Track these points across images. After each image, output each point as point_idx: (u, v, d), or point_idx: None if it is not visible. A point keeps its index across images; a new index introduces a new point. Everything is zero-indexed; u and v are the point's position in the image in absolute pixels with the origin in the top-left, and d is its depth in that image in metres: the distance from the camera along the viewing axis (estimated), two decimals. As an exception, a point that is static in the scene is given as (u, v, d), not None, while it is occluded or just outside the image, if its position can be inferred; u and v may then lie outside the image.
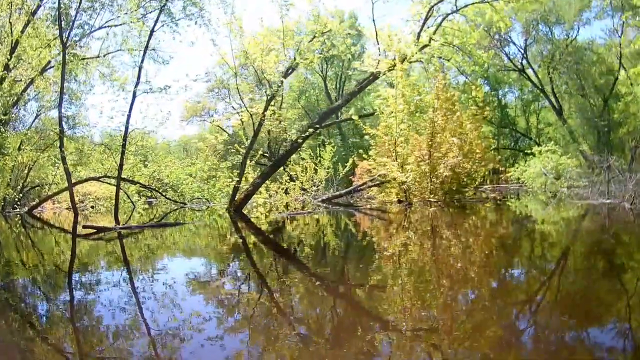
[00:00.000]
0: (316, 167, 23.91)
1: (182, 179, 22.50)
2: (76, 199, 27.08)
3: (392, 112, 15.09)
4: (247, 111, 14.68)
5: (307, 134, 14.65)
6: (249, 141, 24.03)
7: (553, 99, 32.29)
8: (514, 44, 32.79)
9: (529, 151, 28.27)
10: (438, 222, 10.56)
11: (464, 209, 14.44)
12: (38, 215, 22.92)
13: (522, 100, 37.00)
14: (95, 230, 10.63)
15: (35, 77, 18.43)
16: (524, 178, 26.20)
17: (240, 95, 14.90)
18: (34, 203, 24.38)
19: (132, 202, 23.33)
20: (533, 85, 32.68)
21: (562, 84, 33.12)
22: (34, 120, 30.19)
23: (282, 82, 15.32)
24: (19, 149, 24.80)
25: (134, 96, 14.32)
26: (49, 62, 19.43)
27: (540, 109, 37.56)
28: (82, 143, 21.91)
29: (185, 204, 21.45)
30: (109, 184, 23.31)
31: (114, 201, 27.68)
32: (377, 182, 20.04)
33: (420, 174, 14.69)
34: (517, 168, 26.75)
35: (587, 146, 28.81)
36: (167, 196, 21.57)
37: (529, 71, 32.55)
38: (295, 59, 15.72)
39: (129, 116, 14.34)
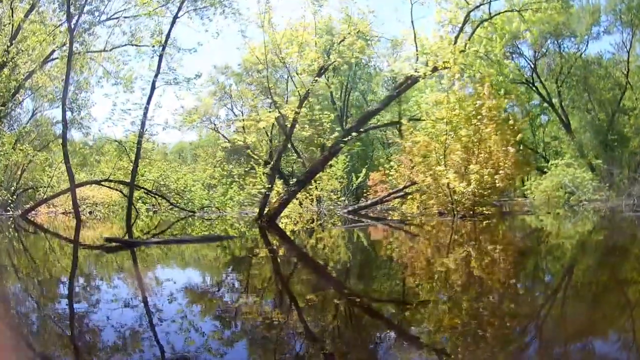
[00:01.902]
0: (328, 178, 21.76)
1: (190, 186, 20.13)
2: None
3: (442, 118, 13.07)
4: (278, 111, 12.50)
5: (346, 139, 12.53)
6: (260, 148, 21.95)
7: (561, 113, 30.81)
8: (524, 56, 31.30)
9: (543, 165, 26.61)
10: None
11: (523, 221, 12.65)
12: (32, 219, 20.27)
13: (529, 114, 35.45)
14: (119, 244, 8.33)
15: (36, 67, 15.96)
16: (539, 192, 24.46)
17: (270, 93, 12.73)
18: (29, 206, 21.73)
19: (136, 209, 20.80)
20: (541, 98, 31.19)
21: (567, 98, 31.69)
22: (30, 119, 27.56)
23: (316, 80, 13.22)
24: (14, 147, 22.15)
25: (153, 87, 12.12)
26: (52, 52, 17.00)
27: (546, 123, 36.14)
28: (88, 139, 19.14)
29: (194, 212, 19.10)
30: (110, 188, 20.89)
31: (113, 207, 25.42)
32: (402, 193, 18.14)
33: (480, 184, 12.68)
34: (534, 181, 25.03)
35: (595, 160, 27.29)
36: (176, 204, 19.16)
37: (537, 84, 31.03)
38: (329, 57, 13.69)
39: (146, 109, 12.08)
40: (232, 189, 19.98)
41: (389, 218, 15.15)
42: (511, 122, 13.98)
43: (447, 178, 12.16)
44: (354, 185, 23.51)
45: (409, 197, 18.40)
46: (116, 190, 20.82)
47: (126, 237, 9.74)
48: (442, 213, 14.42)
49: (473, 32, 16.81)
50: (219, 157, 34.24)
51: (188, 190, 19.90)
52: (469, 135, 12.86)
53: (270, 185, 12.37)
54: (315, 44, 13.82)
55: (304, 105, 13.17)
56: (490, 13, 16.99)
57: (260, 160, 19.86)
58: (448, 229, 10.84)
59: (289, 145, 30.92)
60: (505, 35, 19.58)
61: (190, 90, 13.25)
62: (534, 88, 30.88)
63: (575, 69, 30.30)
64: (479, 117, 13.51)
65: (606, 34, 30.38)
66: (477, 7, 16.42)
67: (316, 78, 13.27)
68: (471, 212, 13.40)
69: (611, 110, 30.27)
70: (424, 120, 13.76)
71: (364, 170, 23.79)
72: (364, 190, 24.49)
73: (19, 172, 26.47)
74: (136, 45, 16.99)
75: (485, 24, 17.96)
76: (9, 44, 14.91)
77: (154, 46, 12.94)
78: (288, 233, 10.93)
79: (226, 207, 19.23)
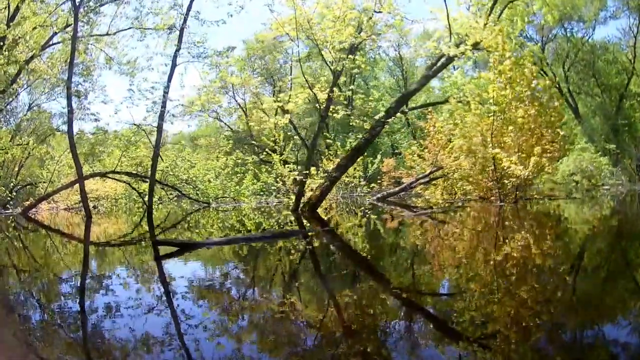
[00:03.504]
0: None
1: (202, 176, 18.56)
2: (76, 197, 22.79)
3: (489, 98, 11.79)
4: (311, 90, 11.08)
5: (386, 120, 11.17)
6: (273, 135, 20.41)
7: (569, 98, 29.75)
8: (533, 40, 30.01)
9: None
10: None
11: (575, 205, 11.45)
12: (33, 216, 18.55)
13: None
14: (177, 248, 6.26)
15: (36, 52, 14.26)
16: (557, 176, 23.36)
17: (302, 72, 11.31)
18: (29, 203, 19.93)
19: (144, 201, 19.18)
20: (549, 83, 30.09)
21: (573, 83, 30.62)
22: (27, 112, 25.63)
23: (349, 58, 11.82)
24: (12, 140, 20.39)
25: (174, 65, 10.59)
26: (53, 35, 15.28)
27: (553, 108, 35.12)
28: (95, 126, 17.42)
29: (208, 203, 17.59)
30: (117, 180, 19.25)
31: (116, 200, 23.70)
32: (428, 179, 16.85)
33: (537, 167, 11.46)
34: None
35: (610, 145, 26.30)
36: (188, 195, 17.61)
37: (545, 69, 29.89)
38: (360, 34, 12.27)
39: (167, 87, 10.53)
40: (247, 177, 18.51)
41: (429, 206, 13.77)
42: (556, 103, 12.76)
43: (508, 161, 10.86)
44: (370, 171, 22.17)
45: (432, 183, 17.18)
46: (123, 182, 19.20)
47: (180, 238, 7.70)
48: (484, 198, 13.14)
49: (502, 12, 15.76)
50: (222, 145, 32.70)
51: (200, 181, 18.33)
52: (523, 116, 11.57)
53: (307, 172, 10.94)
54: (344, 19, 12.39)
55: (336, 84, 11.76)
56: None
57: (275, 147, 18.44)
58: (524, 214, 9.52)
59: (294, 130, 29.46)
60: (526, 18, 18.58)
61: (217, 67, 11.70)
62: (541, 72, 29.72)
63: (583, 54, 29.22)
64: (525, 98, 12.29)
65: (613, 19, 29.47)
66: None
67: (350, 56, 11.85)
68: (517, 197, 12.23)
69: (618, 95, 29.32)
70: (469, 101, 12.41)
71: (378, 156, 22.47)
72: (379, 177, 23.16)
73: (16, 168, 24.72)
74: (141, 29, 15.46)
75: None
76: (6, 26, 13.18)
77: (170, 29, 11.33)
78: (356, 224, 9.39)
79: (242, 197, 17.76)
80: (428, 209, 11.61)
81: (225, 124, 34.71)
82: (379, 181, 23.03)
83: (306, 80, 11.32)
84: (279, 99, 11.60)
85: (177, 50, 10.56)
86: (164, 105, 10.79)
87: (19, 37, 14.54)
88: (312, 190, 13.90)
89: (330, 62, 11.75)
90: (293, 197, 16.88)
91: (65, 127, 29.60)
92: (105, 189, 22.82)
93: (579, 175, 22.49)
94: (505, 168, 11.09)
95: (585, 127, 28.51)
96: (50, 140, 27.56)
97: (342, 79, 33.47)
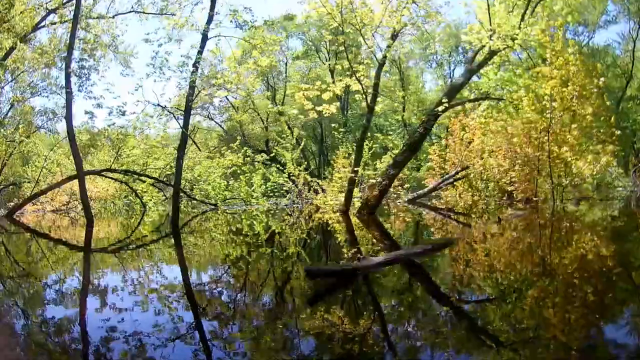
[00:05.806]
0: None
1: (207, 176, 16.75)
2: (63, 198, 20.65)
3: (545, 95, 10.66)
4: (358, 81, 9.64)
5: (440, 112, 9.88)
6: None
7: (569, 101, 29.19)
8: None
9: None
10: None
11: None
12: (18, 219, 16.44)
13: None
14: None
15: (27, 30, 12.38)
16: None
17: (348, 59, 9.80)
18: (14, 204, 17.76)
19: (142, 203, 17.31)
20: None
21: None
22: (10, 108, 23.22)
23: (393, 44, 10.44)
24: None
25: (205, 37, 8.98)
26: (48, 14, 13.36)
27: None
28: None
29: (215, 205, 15.87)
30: (112, 179, 17.36)
31: (105, 202, 21.64)
32: (453, 180, 15.59)
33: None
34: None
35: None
36: (195, 196, 15.85)
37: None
38: (399, 20, 10.87)
39: (197, 61, 8.88)
40: (256, 178, 16.85)
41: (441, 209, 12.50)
42: (608, 103, 11.80)
43: (577, 160, 9.72)
44: (379, 172, 20.85)
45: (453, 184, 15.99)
46: (120, 182, 17.32)
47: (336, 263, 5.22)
48: (529, 200, 11.93)
49: (533, 10, 14.97)
50: (211, 146, 30.77)
51: (204, 181, 16.53)
52: (591, 114, 10.48)
53: (356, 169, 9.46)
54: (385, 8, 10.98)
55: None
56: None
57: (288, 145, 16.89)
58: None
59: (288, 128, 27.77)
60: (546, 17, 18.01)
61: (262, 47, 10.02)
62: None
63: (585, 57, 28.58)
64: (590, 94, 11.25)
65: (613, 23, 29.16)
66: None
67: (394, 42, 10.46)
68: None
69: (617, 99, 28.93)
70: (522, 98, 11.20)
71: (388, 154, 21.18)
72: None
73: (-1, 166, 22.37)
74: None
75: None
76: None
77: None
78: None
79: (252, 198, 16.12)
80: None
81: (217, 123, 32.95)
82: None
83: (350, 66, 9.86)
84: (315, 87, 10.08)
85: (209, 20, 8.93)
86: (192, 85, 9.12)
87: (10, 18, 12.57)
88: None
89: (370, 48, 10.28)
90: (314, 199, 15.43)
91: (52, 126, 27.46)
92: (96, 189, 20.77)
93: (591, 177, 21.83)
94: (569, 167, 9.93)
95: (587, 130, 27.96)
96: (34, 137, 25.25)
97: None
